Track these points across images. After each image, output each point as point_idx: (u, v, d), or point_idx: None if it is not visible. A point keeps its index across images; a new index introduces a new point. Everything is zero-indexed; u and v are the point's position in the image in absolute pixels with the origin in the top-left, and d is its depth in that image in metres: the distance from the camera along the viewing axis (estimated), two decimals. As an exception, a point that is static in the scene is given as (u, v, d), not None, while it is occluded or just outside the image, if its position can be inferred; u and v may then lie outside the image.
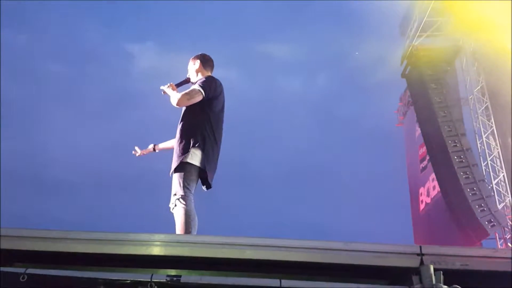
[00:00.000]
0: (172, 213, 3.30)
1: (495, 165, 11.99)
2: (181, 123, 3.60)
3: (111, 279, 2.02)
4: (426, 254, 2.06)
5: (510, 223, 10.97)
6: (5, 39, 25.39)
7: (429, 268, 2.00)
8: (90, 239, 2.10)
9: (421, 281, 1.97)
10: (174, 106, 3.55)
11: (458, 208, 11.15)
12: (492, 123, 12.50)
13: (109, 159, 28.48)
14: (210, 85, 3.58)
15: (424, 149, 13.47)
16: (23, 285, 1.97)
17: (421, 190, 14.12)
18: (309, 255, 2.10)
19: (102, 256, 2.08)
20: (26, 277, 1.99)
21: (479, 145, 12.22)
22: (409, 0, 13.93)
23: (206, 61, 3.85)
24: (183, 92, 3.52)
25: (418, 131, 14.11)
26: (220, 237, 2.15)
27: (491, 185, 11.53)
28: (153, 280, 1.98)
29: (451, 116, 12.02)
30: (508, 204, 11.31)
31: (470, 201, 10.68)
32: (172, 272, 2.14)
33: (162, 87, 3.63)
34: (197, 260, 2.09)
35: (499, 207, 11.12)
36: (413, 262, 2.05)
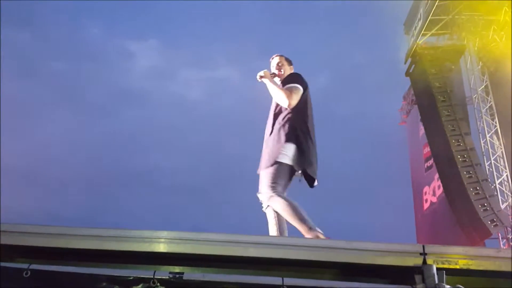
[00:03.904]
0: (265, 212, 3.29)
1: (499, 165, 11.96)
2: (273, 116, 3.55)
3: (113, 276, 2.02)
4: (429, 253, 2.06)
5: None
6: (7, 38, 25.46)
7: (431, 268, 1.99)
8: (93, 235, 2.10)
9: (423, 281, 1.97)
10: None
11: (461, 208, 11.13)
12: (496, 122, 12.46)
13: (110, 156, 28.57)
14: (302, 78, 3.62)
15: (428, 148, 13.43)
16: (26, 281, 1.97)
17: (426, 189, 14.10)
18: (311, 253, 2.10)
19: (105, 253, 2.08)
20: (29, 272, 1.99)
21: (482, 144, 12.18)
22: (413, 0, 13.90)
23: None
24: (290, 92, 3.46)
25: (422, 130, 14.08)
26: (223, 234, 2.15)
27: (494, 185, 11.50)
28: (155, 277, 1.99)
29: (455, 115, 11.99)
30: (511, 204, 11.28)
31: (473, 200, 10.67)
32: (175, 269, 2.14)
33: (260, 74, 3.56)
34: (200, 257, 2.09)
35: (502, 206, 11.09)
36: (416, 261, 2.04)
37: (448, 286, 1.94)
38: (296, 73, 3.72)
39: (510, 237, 10.80)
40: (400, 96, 16.90)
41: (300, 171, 3.34)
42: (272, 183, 3.23)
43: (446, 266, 2.03)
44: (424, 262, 2.03)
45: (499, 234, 10.81)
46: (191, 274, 2.08)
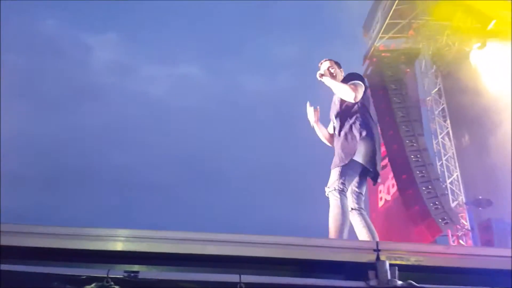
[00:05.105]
0: None
1: (450, 165, 12.42)
2: (340, 114, 3.57)
3: (65, 275, 1.95)
4: (383, 250, 2.11)
5: (463, 221, 11.41)
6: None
7: (385, 264, 2.04)
8: (44, 233, 2.04)
9: (377, 276, 2.01)
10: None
11: (414, 205, 11.49)
12: (448, 124, 12.94)
13: (66, 153, 27.70)
14: (363, 77, 3.69)
15: (384, 148, 13.78)
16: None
17: (380, 187, 14.45)
18: (269, 250, 2.11)
19: (57, 251, 2.01)
20: (-26, 272, 1.90)
21: (435, 145, 12.63)
22: (373, 0, 14.21)
23: None
24: (354, 86, 3.50)
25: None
26: (181, 232, 2.12)
27: (445, 184, 11.94)
28: (109, 275, 1.93)
29: (409, 116, 12.38)
30: (461, 203, 11.75)
31: (425, 199, 11.03)
32: (131, 267, 2.09)
33: (321, 73, 3.64)
34: (157, 255, 2.06)
35: (453, 205, 11.54)
36: (370, 258, 2.09)
37: (400, 282, 1.99)
38: (355, 72, 3.77)
39: (460, 235, 11.25)
40: (358, 97, 17.20)
41: (371, 169, 3.41)
42: (342, 180, 3.29)
43: (398, 262, 2.09)
44: (378, 258, 2.08)
45: (449, 232, 11.23)
46: (147, 272, 2.04)
